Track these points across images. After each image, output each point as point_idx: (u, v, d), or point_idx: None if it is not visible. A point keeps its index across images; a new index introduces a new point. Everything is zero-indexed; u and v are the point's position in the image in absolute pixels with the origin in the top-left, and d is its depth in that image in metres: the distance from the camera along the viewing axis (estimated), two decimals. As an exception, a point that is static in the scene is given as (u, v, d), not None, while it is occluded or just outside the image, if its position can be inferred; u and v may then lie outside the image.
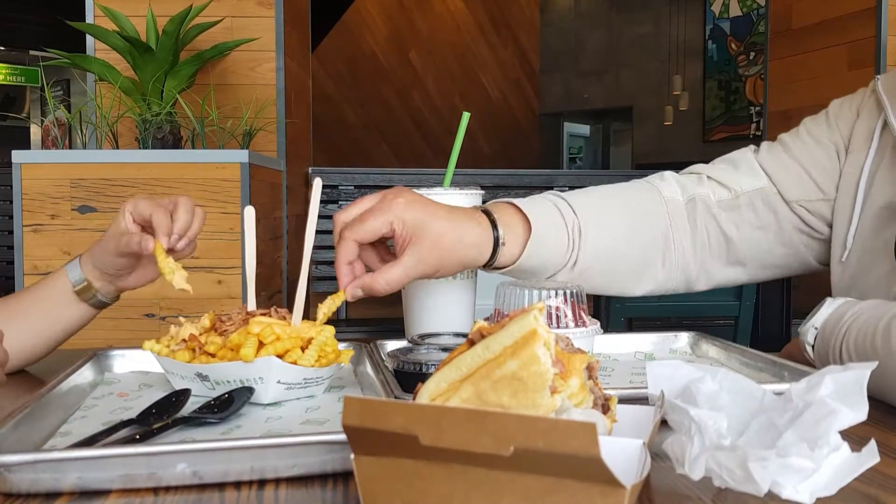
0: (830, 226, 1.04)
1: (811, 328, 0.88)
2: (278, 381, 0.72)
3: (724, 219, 1.03)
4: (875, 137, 1.00)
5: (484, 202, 0.96)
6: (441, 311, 0.94)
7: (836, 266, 1.03)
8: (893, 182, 0.98)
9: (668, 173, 1.08)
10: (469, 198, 0.94)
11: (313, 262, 3.76)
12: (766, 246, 1.04)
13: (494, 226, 0.90)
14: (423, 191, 0.91)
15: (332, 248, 3.62)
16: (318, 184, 0.84)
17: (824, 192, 1.04)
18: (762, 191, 1.04)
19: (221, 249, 2.51)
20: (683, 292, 1.07)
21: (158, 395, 0.75)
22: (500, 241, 0.89)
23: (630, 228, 1.00)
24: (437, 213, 0.85)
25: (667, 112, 9.87)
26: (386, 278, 0.82)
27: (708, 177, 1.06)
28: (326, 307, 0.79)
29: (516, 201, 0.94)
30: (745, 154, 1.09)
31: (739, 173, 1.05)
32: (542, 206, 0.96)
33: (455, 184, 0.95)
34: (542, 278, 0.96)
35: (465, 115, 0.96)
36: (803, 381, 0.54)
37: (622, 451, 0.50)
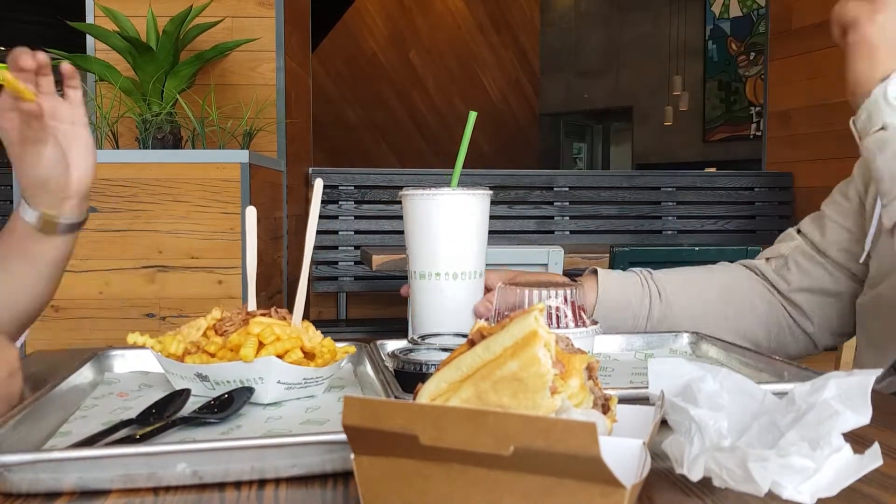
0: (857, 259, 1.12)
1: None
2: (278, 381, 0.72)
3: (778, 280, 1.16)
4: None
5: (491, 202, 0.96)
6: (447, 311, 0.93)
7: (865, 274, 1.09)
8: None
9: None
10: (477, 198, 0.92)
11: (313, 263, 3.76)
12: (823, 293, 1.14)
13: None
14: (430, 191, 0.90)
15: (332, 247, 3.61)
16: (319, 184, 0.84)
17: (851, 231, 1.12)
18: (799, 247, 1.16)
19: (221, 249, 2.51)
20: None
21: (158, 395, 0.75)
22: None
23: (712, 290, 1.17)
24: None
25: (667, 112, 9.87)
26: None
27: (766, 258, 1.20)
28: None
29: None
30: (787, 230, 1.22)
31: (781, 244, 1.19)
32: (620, 273, 1.15)
33: (460, 184, 0.94)
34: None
35: (472, 115, 0.96)
36: (807, 384, 0.54)
37: (622, 451, 0.50)
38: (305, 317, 0.81)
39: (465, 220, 0.91)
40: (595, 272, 1.13)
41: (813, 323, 1.15)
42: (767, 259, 1.20)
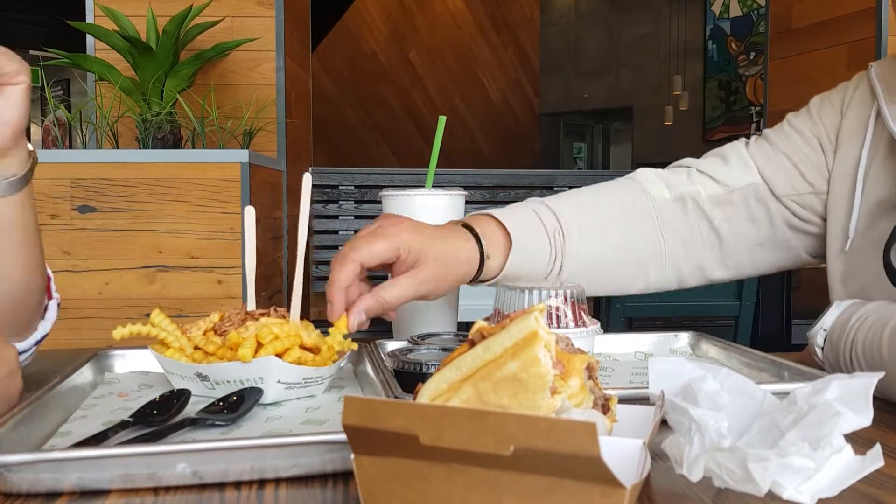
0: (822, 218, 1.04)
1: (820, 330, 0.88)
2: (278, 381, 0.72)
3: (715, 215, 1.03)
4: (870, 127, 0.99)
5: (468, 203, 1.02)
6: (427, 310, 0.98)
7: (834, 258, 1.02)
8: (888, 176, 0.96)
9: (651, 170, 1.08)
10: (452, 198, 0.99)
11: (315, 262, 3.76)
12: (758, 241, 1.05)
13: (478, 240, 0.92)
14: (407, 192, 0.98)
15: (333, 247, 3.60)
16: (307, 178, 0.84)
17: (813, 185, 1.03)
18: (755, 186, 1.03)
19: (221, 249, 2.51)
20: (676, 289, 1.08)
21: (158, 395, 0.75)
22: (486, 255, 0.92)
23: (616, 233, 1.02)
24: (435, 237, 0.89)
25: (667, 112, 9.87)
26: (388, 296, 0.84)
27: (698, 170, 1.06)
28: (338, 343, 0.77)
29: (494, 212, 0.96)
30: (736, 148, 1.08)
31: (730, 168, 1.05)
32: (521, 216, 0.97)
33: (446, 184, 0.99)
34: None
35: (442, 119, 1.02)
36: (809, 385, 0.54)
37: (622, 451, 0.50)
38: (305, 316, 0.81)
39: (441, 219, 0.97)
40: (496, 220, 0.95)
41: (737, 252, 1.04)
42: (699, 171, 1.05)
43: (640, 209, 1.02)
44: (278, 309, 0.79)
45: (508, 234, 0.94)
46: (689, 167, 1.07)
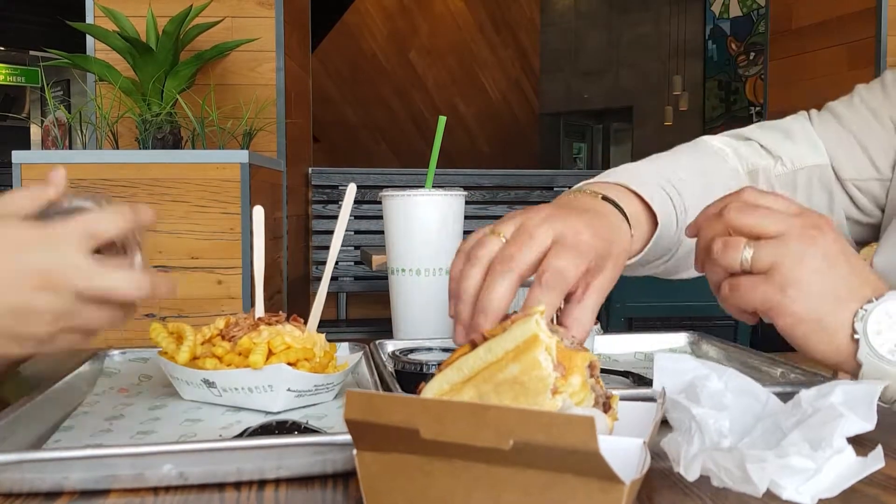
0: (881, 208, 0.96)
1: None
2: (288, 389, 0.70)
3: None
4: None
5: (468, 203, 1.00)
6: (427, 310, 0.99)
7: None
8: None
9: (721, 139, 0.99)
10: (452, 198, 0.99)
11: (314, 263, 3.76)
12: None
13: (628, 222, 0.76)
14: (407, 192, 0.98)
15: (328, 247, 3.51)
16: (352, 188, 0.84)
17: (879, 170, 0.95)
18: (821, 168, 0.95)
19: (221, 249, 2.51)
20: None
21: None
22: (631, 234, 0.76)
23: None
24: (605, 233, 0.70)
25: (667, 112, 9.88)
26: (583, 320, 0.65)
27: (760, 145, 0.98)
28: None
29: (637, 189, 0.80)
30: (801, 123, 0.99)
31: (797, 145, 0.97)
32: (660, 197, 0.83)
33: (446, 184, 0.98)
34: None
35: (442, 119, 1.02)
36: (813, 389, 0.54)
37: (622, 450, 0.50)
38: (304, 316, 0.81)
39: (441, 219, 0.98)
40: (644, 201, 0.80)
41: None
42: (761, 146, 0.97)
43: (733, 187, 0.85)
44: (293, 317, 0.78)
45: (654, 216, 0.80)
46: (750, 139, 0.98)
